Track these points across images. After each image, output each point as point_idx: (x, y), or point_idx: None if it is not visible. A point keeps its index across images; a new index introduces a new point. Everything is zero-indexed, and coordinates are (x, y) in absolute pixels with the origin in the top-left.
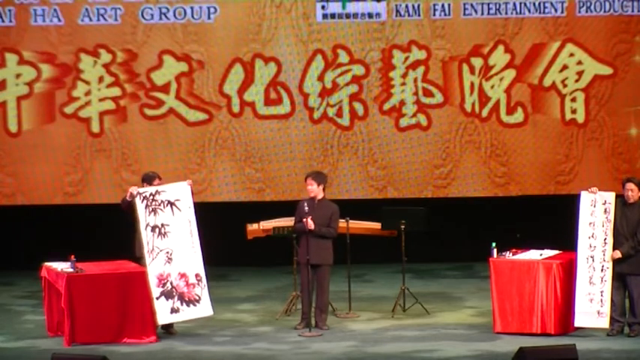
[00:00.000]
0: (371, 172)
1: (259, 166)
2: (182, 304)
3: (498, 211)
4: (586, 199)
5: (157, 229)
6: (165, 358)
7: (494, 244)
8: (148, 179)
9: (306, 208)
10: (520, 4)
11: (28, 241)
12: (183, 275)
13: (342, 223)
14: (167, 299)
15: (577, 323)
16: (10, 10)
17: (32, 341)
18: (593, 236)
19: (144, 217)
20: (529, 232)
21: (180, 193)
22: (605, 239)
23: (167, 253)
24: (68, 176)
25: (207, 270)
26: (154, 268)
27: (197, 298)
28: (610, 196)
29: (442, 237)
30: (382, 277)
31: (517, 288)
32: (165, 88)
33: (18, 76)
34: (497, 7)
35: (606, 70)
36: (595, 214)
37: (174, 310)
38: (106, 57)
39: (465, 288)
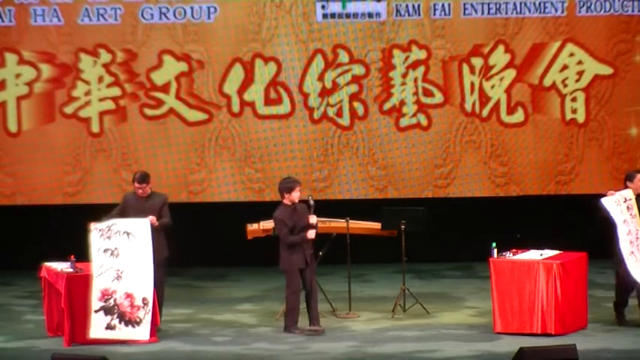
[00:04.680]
0: (371, 171)
1: (259, 166)
2: (120, 323)
3: (498, 211)
4: (609, 201)
5: (110, 251)
6: (165, 358)
7: (494, 244)
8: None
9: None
10: (520, 3)
11: (28, 241)
12: (129, 295)
13: (342, 223)
14: (106, 314)
15: None
16: (10, 10)
17: (32, 341)
18: (629, 233)
19: (97, 244)
20: (529, 232)
21: (137, 227)
22: (637, 235)
23: (117, 270)
24: (68, 176)
25: (207, 270)
26: (100, 282)
27: (138, 320)
28: (629, 193)
29: (442, 237)
30: (382, 277)
31: (517, 288)
32: (165, 88)
33: (18, 76)
34: (498, 6)
35: (606, 70)
36: (623, 212)
37: (109, 327)
38: (105, 57)
39: (465, 288)
